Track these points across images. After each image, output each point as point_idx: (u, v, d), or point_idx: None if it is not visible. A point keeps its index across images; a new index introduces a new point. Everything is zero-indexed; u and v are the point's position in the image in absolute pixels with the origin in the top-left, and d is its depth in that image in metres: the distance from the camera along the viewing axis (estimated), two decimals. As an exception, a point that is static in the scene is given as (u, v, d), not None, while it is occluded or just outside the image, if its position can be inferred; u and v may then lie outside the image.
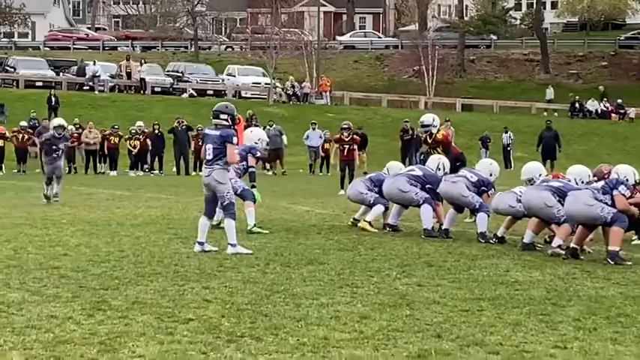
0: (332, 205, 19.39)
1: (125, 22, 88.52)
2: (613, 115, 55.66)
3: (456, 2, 75.74)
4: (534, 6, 72.42)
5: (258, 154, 14.54)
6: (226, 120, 11.82)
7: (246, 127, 18.19)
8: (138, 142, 34.27)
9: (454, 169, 15.05)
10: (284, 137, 35.54)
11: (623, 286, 9.77)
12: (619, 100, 56.01)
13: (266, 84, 53.56)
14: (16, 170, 33.51)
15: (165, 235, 13.60)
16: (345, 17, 79.75)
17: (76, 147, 33.14)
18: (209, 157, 11.73)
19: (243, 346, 6.82)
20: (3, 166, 33.69)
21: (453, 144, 18.48)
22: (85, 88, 50.93)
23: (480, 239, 13.48)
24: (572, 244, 11.85)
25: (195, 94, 52.34)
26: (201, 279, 9.68)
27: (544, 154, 36.32)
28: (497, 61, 68.00)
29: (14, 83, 51.44)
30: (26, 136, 33.78)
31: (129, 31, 77.91)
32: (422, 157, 16.19)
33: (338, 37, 73.94)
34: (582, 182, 12.74)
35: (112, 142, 34.41)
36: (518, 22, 79.15)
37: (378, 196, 15.04)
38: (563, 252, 11.83)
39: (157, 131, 34.76)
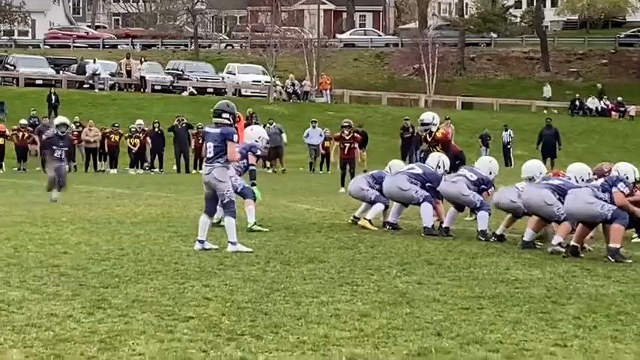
0: (332, 203, 19.38)
1: (125, 20, 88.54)
2: (613, 112, 55.66)
3: (456, 0, 75.73)
4: (534, 4, 72.42)
5: (259, 152, 14.53)
6: (228, 119, 11.83)
7: (246, 126, 18.16)
8: (138, 140, 34.29)
9: (453, 168, 15.04)
10: (284, 135, 35.56)
11: (624, 284, 9.77)
12: (619, 98, 56.02)
13: (266, 82, 53.58)
14: (16, 168, 33.54)
15: (166, 233, 13.60)
16: (345, 15, 79.71)
17: (76, 145, 33.14)
18: (209, 155, 11.73)
19: (244, 344, 6.83)
20: (3, 164, 33.71)
21: (452, 142, 18.48)
22: (85, 86, 50.96)
23: (480, 237, 13.49)
24: (572, 242, 11.85)
25: (196, 93, 52.35)
26: (202, 277, 9.68)
27: (544, 152, 36.31)
28: (498, 59, 67.99)
29: (14, 81, 51.48)
30: (26, 134, 33.83)
31: (129, 29, 77.94)
32: (422, 155, 16.19)
33: (338, 35, 73.94)
34: (582, 180, 12.73)
35: (113, 140, 34.44)
36: (518, 20, 79.11)
37: (378, 193, 15.03)
38: (563, 250, 11.84)
39: (157, 129, 34.77)
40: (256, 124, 30.67)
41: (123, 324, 7.40)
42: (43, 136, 21.68)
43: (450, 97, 57.46)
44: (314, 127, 36.68)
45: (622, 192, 11.56)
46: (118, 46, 69.31)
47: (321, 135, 36.29)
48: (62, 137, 19.47)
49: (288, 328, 7.34)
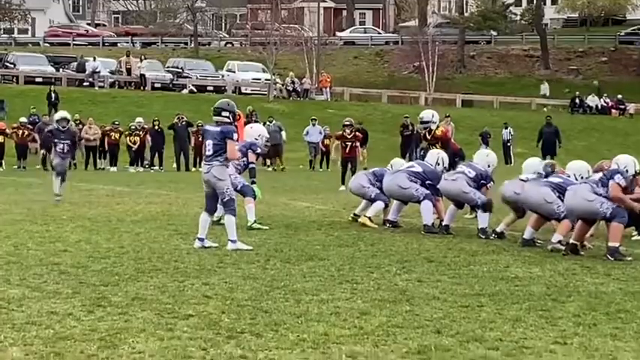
0: (332, 201, 19.39)
1: (125, 18, 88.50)
2: (613, 110, 55.65)
3: (456, -2, 75.73)
4: (534, 2, 72.35)
5: (259, 150, 14.54)
6: (228, 117, 11.84)
7: (246, 124, 18.16)
8: (138, 138, 34.29)
9: (452, 166, 15.03)
10: (283, 133, 35.55)
11: (623, 282, 9.77)
12: (619, 96, 56.01)
13: (266, 80, 53.55)
14: (16, 166, 33.52)
15: (166, 231, 13.60)
16: (344, 13, 79.70)
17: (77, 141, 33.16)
18: (208, 153, 11.74)
19: (243, 342, 6.83)
20: (3, 162, 33.70)
21: (452, 140, 18.48)
22: (84, 84, 50.92)
23: (480, 235, 13.49)
24: (571, 240, 11.85)
25: (195, 90, 52.31)
26: (202, 275, 9.68)
27: (544, 150, 36.31)
28: (498, 57, 67.96)
29: (14, 79, 51.42)
30: (26, 132, 33.84)
31: (129, 27, 77.89)
32: (422, 153, 16.19)
33: (338, 33, 73.89)
34: (582, 178, 12.71)
35: (113, 138, 34.43)
36: (518, 17, 79.05)
37: (379, 191, 15.03)
38: (563, 248, 11.84)
39: (157, 127, 34.76)
40: (256, 122, 30.68)
41: (123, 322, 7.40)
42: (45, 129, 21.19)
43: (450, 95, 57.44)
44: (314, 125, 36.68)
45: (618, 184, 11.53)
46: (118, 44, 69.32)
47: (320, 133, 36.30)
48: (63, 131, 18.98)
49: (288, 325, 7.34)
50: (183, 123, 34.50)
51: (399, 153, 30.50)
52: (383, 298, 8.53)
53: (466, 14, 71.69)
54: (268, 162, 34.77)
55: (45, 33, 72.57)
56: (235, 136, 11.82)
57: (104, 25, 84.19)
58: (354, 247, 12.22)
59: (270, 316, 7.67)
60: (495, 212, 14.18)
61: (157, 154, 34.81)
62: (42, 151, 32.48)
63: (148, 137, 34.37)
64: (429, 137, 16.44)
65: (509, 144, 41.69)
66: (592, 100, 56.21)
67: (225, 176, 11.76)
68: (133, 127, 34.62)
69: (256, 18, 73.65)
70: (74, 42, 67.91)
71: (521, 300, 8.56)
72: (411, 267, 10.49)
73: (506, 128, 42.28)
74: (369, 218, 14.76)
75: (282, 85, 54.34)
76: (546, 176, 13.26)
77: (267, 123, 34.21)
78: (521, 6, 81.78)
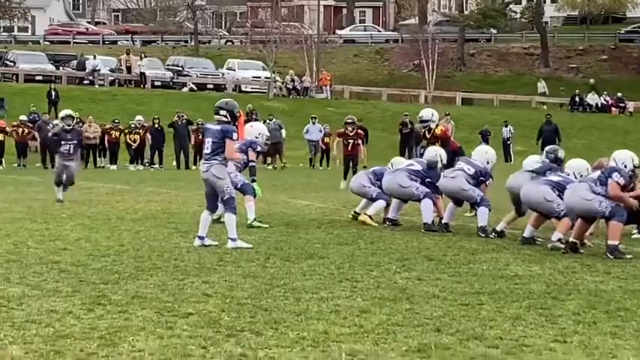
0: (332, 199, 19.39)
1: (125, 16, 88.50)
2: (613, 108, 55.63)
3: (456, -4, 75.66)
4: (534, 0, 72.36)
5: (259, 149, 14.54)
6: (225, 116, 11.83)
7: (246, 122, 18.16)
8: (137, 137, 34.29)
9: (452, 164, 15.02)
10: (283, 131, 35.55)
11: (623, 280, 9.78)
12: (619, 94, 56.00)
13: (266, 78, 53.53)
14: (16, 164, 33.52)
15: (165, 229, 13.60)
16: (345, 11, 79.71)
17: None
18: (207, 152, 11.74)
19: (243, 340, 6.83)
20: (3, 160, 33.69)
21: (452, 138, 18.46)
22: (85, 82, 50.88)
23: (480, 233, 13.49)
24: (571, 238, 11.86)
25: (195, 88, 52.30)
26: (201, 273, 9.68)
27: (544, 148, 36.24)
28: (498, 55, 67.97)
29: (14, 77, 51.40)
30: (26, 131, 33.83)
31: (129, 25, 77.95)
32: (422, 152, 16.19)
33: (338, 31, 73.87)
34: (581, 176, 12.72)
35: (113, 136, 34.43)
36: (518, 15, 78.98)
37: (380, 191, 15.03)
38: (563, 246, 11.84)
39: (156, 125, 34.77)
40: (256, 120, 30.74)
41: (123, 320, 7.40)
42: (49, 133, 20.52)
43: (450, 93, 57.43)
44: (314, 123, 36.69)
45: (617, 182, 11.53)
46: (118, 42, 69.29)
47: (320, 131, 36.30)
48: (69, 131, 18.34)
49: (288, 324, 7.34)
50: (183, 121, 34.51)
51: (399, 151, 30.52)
52: (383, 297, 8.53)
53: (466, 12, 71.63)
54: (269, 160, 34.77)
55: (45, 31, 72.61)
56: (235, 135, 11.82)
57: (104, 23, 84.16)
58: (353, 245, 12.22)
59: (270, 315, 7.67)
60: (495, 211, 14.18)
61: (156, 153, 34.83)
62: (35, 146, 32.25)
63: (148, 135, 34.39)
64: (428, 136, 16.44)
65: (509, 142, 41.70)
66: (592, 99, 56.19)
67: (224, 175, 11.75)
68: (133, 125, 34.62)
69: (256, 16, 73.68)
70: (74, 40, 67.93)
71: (521, 298, 8.56)
72: (411, 265, 10.49)
73: (506, 126, 42.29)
74: (370, 216, 14.76)
75: (282, 83, 54.34)
76: (551, 161, 13.31)
77: (267, 121, 34.23)
78: (521, 4, 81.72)
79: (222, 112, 11.84)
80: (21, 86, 48.72)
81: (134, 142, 34.31)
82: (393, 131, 38.94)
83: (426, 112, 16.86)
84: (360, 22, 79.61)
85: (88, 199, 19.00)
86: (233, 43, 71.65)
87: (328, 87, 54.90)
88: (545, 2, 75.23)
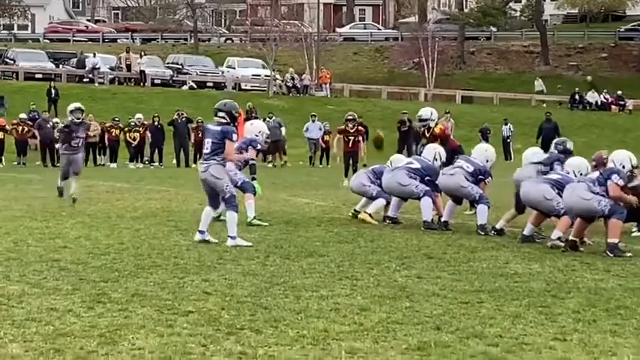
0: (332, 198, 19.39)
1: (125, 15, 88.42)
2: (613, 106, 55.63)
3: (455, -6, 75.62)
4: (534, -2, 72.34)
5: (259, 147, 14.54)
6: (223, 117, 11.85)
7: (246, 120, 18.15)
8: (137, 135, 34.29)
9: (451, 162, 15.02)
10: (283, 129, 35.54)
11: (623, 278, 9.78)
12: (619, 92, 56.00)
13: (266, 76, 53.50)
14: (16, 163, 33.53)
15: (165, 227, 13.60)
16: (344, 9, 79.66)
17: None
18: (206, 152, 11.78)
19: (243, 338, 6.83)
20: (3, 158, 33.70)
21: (451, 137, 18.46)
22: (84, 80, 50.89)
23: (479, 231, 13.49)
24: (570, 237, 11.86)
25: (195, 87, 52.30)
26: (201, 271, 9.68)
27: (543, 146, 36.16)
28: (497, 53, 67.93)
29: (14, 75, 51.39)
30: (26, 129, 33.83)
31: (128, 24, 77.82)
32: (421, 150, 16.20)
33: (338, 29, 73.85)
34: (581, 174, 12.72)
35: (113, 134, 34.43)
36: (518, 13, 78.96)
37: (380, 189, 15.03)
38: (563, 244, 11.85)
39: (156, 123, 34.77)
40: (256, 118, 30.73)
41: (122, 318, 7.41)
42: (58, 128, 19.90)
43: (450, 91, 57.41)
44: (314, 121, 36.68)
45: (616, 184, 11.54)
46: (118, 40, 69.24)
47: (320, 129, 36.30)
48: (79, 124, 18.21)
49: (288, 322, 7.35)
50: (183, 119, 34.51)
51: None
52: (383, 295, 8.53)
53: (466, 10, 71.59)
54: (269, 158, 34.77)
55: (45, 29, 72.55)
56: (235, 137, 11.85)
57: (104, 22, 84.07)
58: (353, 243, 12.22)
59: (270, 313, 7.68)
60: (495, 209, 14.18)
61: (156, 151, 34.83)
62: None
63: (148, 133, 34.39)
64: (427, 135, 16.45)
65: (509, 140, 41.70)
66: (592, 97, 56.18)
67: (223, 174, 11.77)
68: (133, 124, 34.63)
69: (256, 14, 73.68)
70: (74, 38, 67.91)
71: (521, 296, 8.56)
72: (411, 263, 10.49)
73: (506, 124, 42.28)
74: (370, 214, 14.76)
75: (282, 81, 54.33)
76: (559, 152, 13.52)
77: (267, 119, 34.20)
78: (520, 2, 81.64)
79: (220, 113, 11.88)
80: (21, 84, 48.71)
81: (134, 140, 34.31)
82: (393, 129, 38.80)
83: (425, 111, 16.87)
84: (359, 20, 79.54)
85: (87, 197, 18.98)
86: (233, 41, 71.62)
87: (328, 85, 54.90)
88: (545, 0, 75.19)
